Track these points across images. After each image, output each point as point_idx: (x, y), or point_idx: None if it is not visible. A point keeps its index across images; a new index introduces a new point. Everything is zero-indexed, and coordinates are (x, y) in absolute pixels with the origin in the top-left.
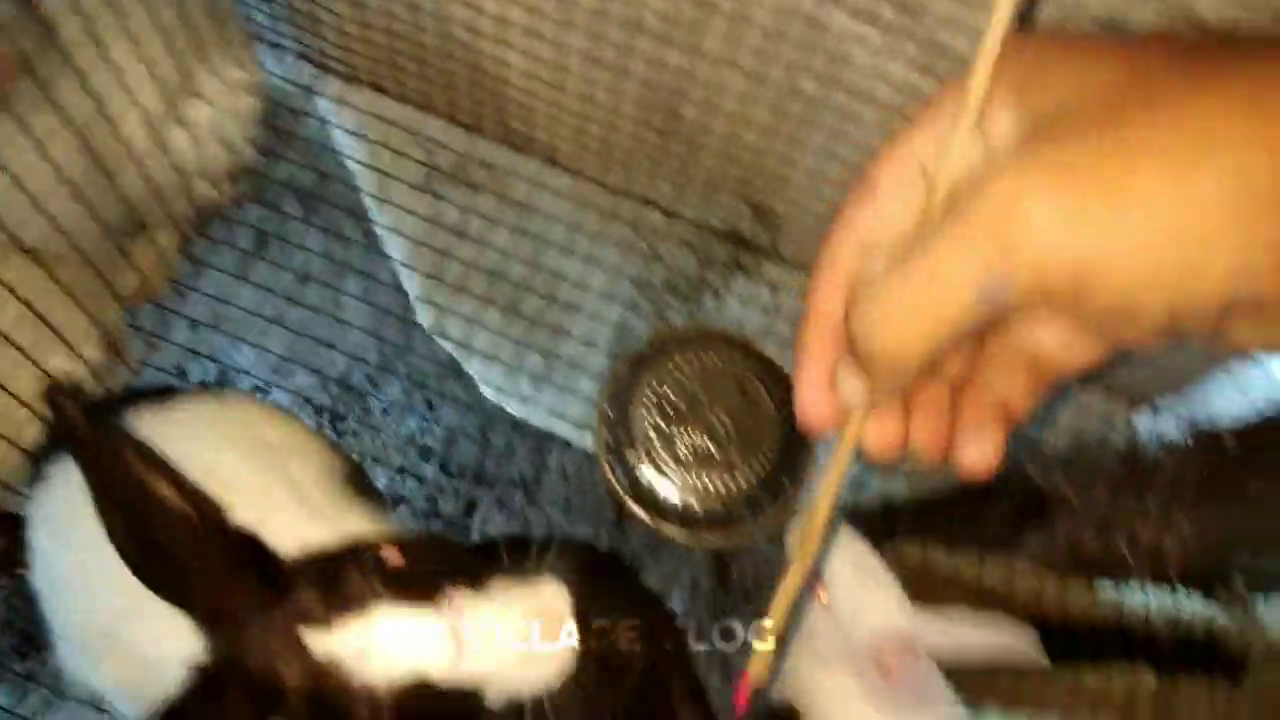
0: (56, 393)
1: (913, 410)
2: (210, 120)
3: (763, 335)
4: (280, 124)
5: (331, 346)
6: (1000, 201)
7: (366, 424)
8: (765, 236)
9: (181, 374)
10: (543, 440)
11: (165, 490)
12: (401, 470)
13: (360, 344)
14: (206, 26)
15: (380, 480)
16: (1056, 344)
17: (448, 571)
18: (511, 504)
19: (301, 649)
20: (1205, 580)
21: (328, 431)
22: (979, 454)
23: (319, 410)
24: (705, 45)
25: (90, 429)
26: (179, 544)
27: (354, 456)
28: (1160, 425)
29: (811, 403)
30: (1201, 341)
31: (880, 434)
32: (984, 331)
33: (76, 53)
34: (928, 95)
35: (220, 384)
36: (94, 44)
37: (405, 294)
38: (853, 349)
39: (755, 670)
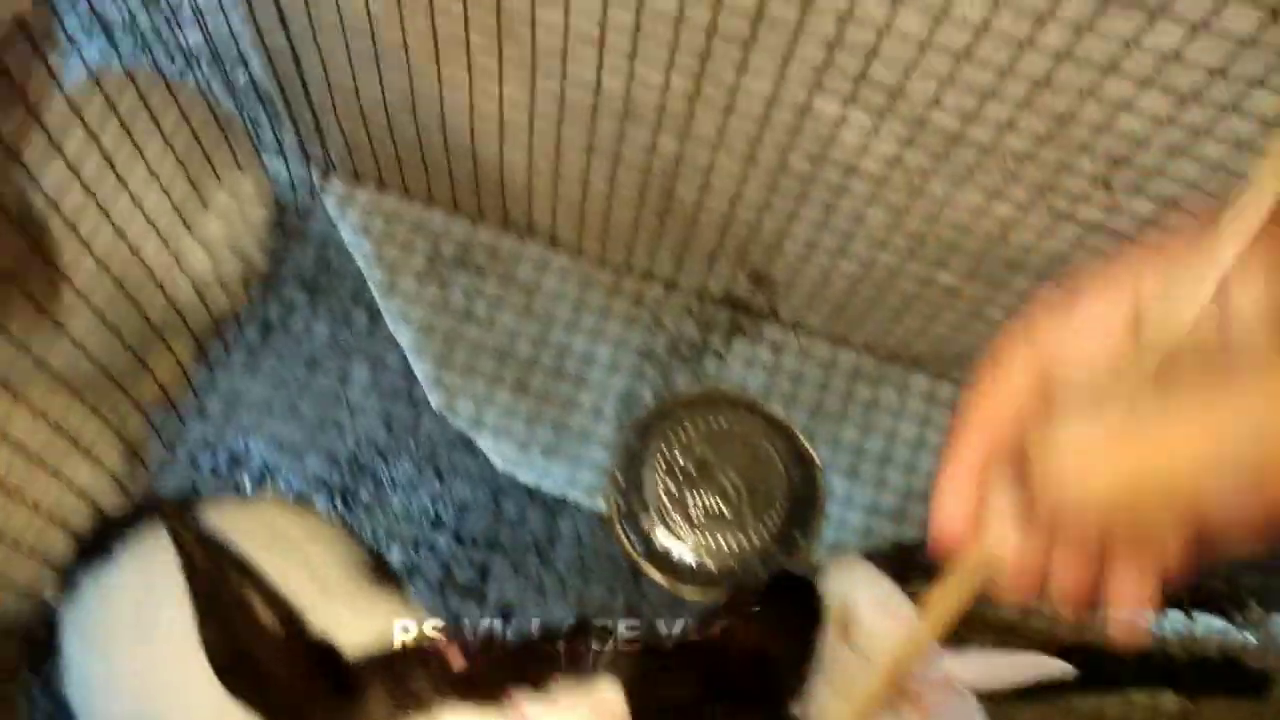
0: (161, 507)
1: (1057, 544)
2: (224, 234)
3: (766, 394)
4: (287, 222)
5: (340, 427)
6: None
7: (378, 499)
8: (763, 301)
9: (193, 463)
10: (555, 506)
11: (256, 600)
12: (415, 542)
13: (369, 425)
14: (215, 145)
15: (394, 553)
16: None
17: (509, 672)
18: (526, 568)
19: None
20: (1217, 603)
21: (340, 509)
22: (1129, 601)
23: (331, 490)
24: (697, 131)
25: (196, 543)
26: (264, 651)
27: (368, 534)
28: None
29: (951, 516)
30: None
31: (1021, 562)
32: None
33: (97, 187)
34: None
35: (232, 471)
36: (113, 176)
37: (412, 375)
38: (1029, 482)
39: None
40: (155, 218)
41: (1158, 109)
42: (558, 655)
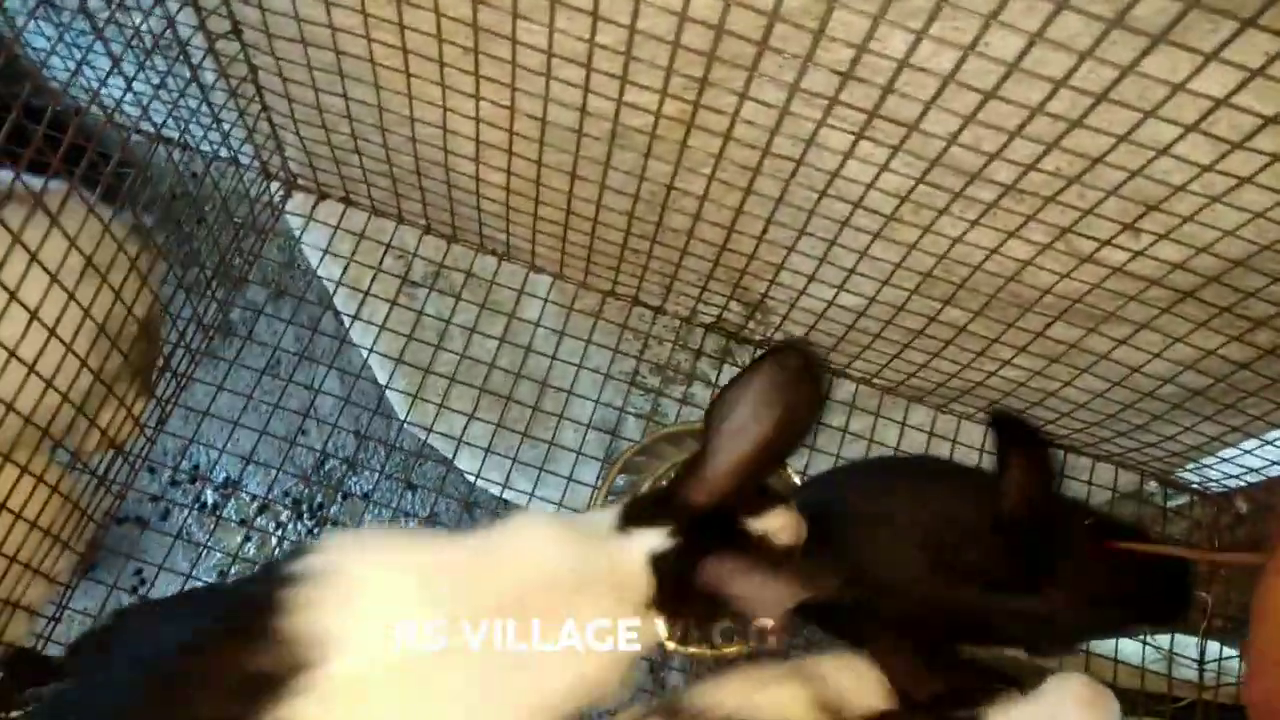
0: None
1: None
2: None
3: None
4: (252, 228)
5: (308, 437)
6: None
7: (347, 511)
8: (756, 328)
9: (153, 473)
10: None
11: None
12: None
13: (338, 435)
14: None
15: None
16: None
17: None
18: None
19: None
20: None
21: (307, 522)
22: None
23: (298, 503)
24: (691, 158)
25: None
26: None
27: None
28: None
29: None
30: None
31: None
32: None
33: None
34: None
35: (194, 482)
36: None
37: (379, 387)
38: None
39: None
40: None
41: (1197, 155)
42: None
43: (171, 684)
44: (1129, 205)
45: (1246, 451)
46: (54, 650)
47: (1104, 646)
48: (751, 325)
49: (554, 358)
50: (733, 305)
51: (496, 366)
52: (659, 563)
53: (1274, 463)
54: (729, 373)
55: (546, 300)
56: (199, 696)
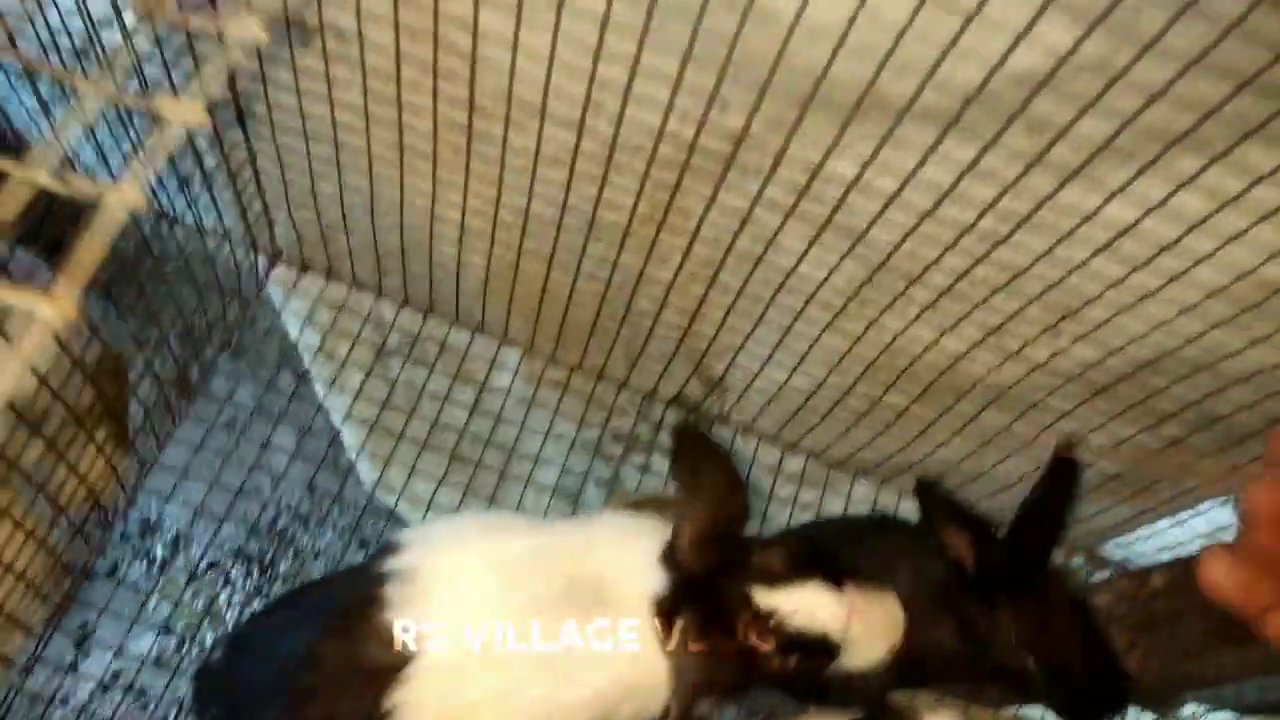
0: None
1: None
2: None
3: None
4: (236, 299)
5: (261, 494)
6: None
7: (298, 569)
8: (715, 404)
9: (106, 526)
10: None
11: None
12: None
13: (292, 492)
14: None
15: None
16: None
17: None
18: None
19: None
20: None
21: (258, 579)
22: None
23: (248, 560)
24: (660, 252)
25: None
26: None
27: None
28: (1095, 569)
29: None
30: None
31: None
32: None
33: None
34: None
35: (144, 537)
36: None
37: (339, 441)
38: None
39: None
40: None
41: (1109, 271)
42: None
43: (312, 691)
44: (1050, 311)
45: (1161, 531)
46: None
47: None
48: (709, 400)
49: (523, 424)
50: (693, 382)
51: (466, 432)
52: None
53: (1185, 542)
54: None
55: (516, 372)
56: (331, 695)
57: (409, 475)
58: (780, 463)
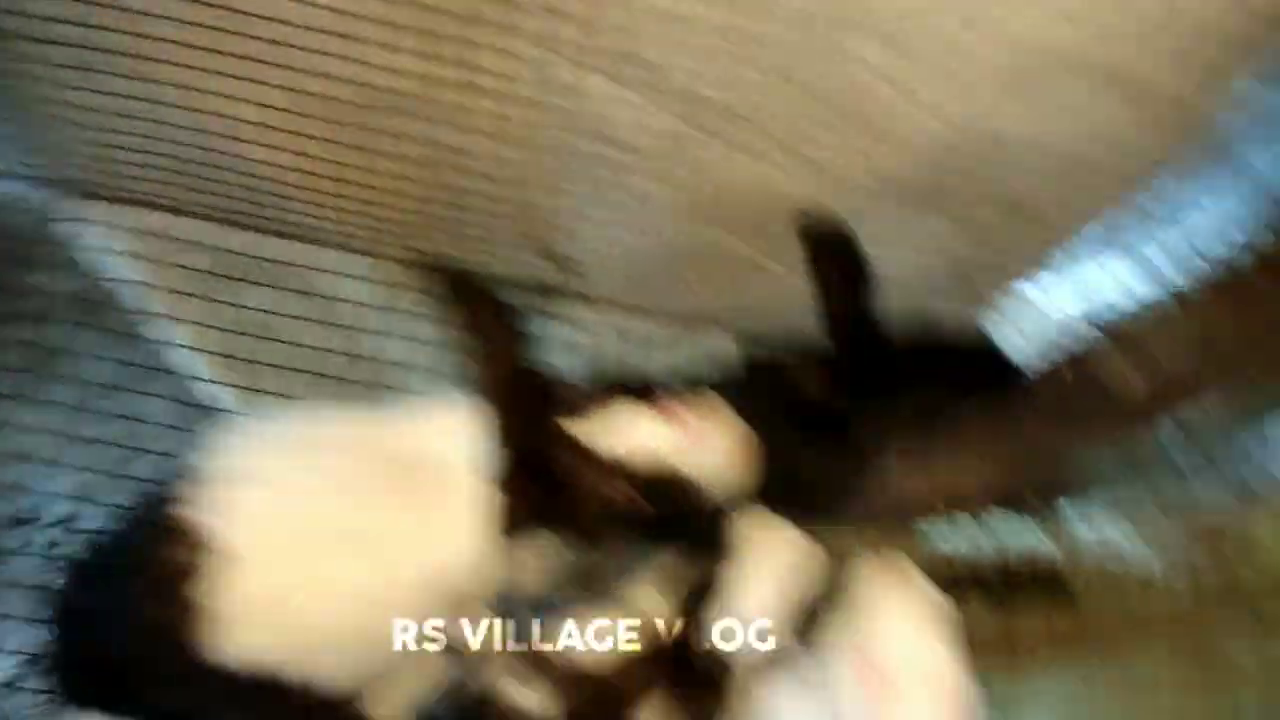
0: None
1: None
2: None
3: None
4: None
5: (142, 453)
6: None
7: None
8: (569, 282)
9: None
10: None
11: None
12: None
13: (172, 445)
14: None
15: None
16: None
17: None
18: None
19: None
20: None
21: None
22: None
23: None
24: (474, 123)
25: None
26: None
27: None
28: None
29: None
30: None
31: None
32: None
33: None
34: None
35: (29, 520)
36: None
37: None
38: None
39: None
40: None
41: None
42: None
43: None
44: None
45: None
46: None
47: None
48: (564, 279)
49: (381, 332)
50: (545, 263)
51: (328, 364)
52: None
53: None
54: (550, 326)
55: (364, 279)
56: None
57: (272, 400)
58: (630, 327)
